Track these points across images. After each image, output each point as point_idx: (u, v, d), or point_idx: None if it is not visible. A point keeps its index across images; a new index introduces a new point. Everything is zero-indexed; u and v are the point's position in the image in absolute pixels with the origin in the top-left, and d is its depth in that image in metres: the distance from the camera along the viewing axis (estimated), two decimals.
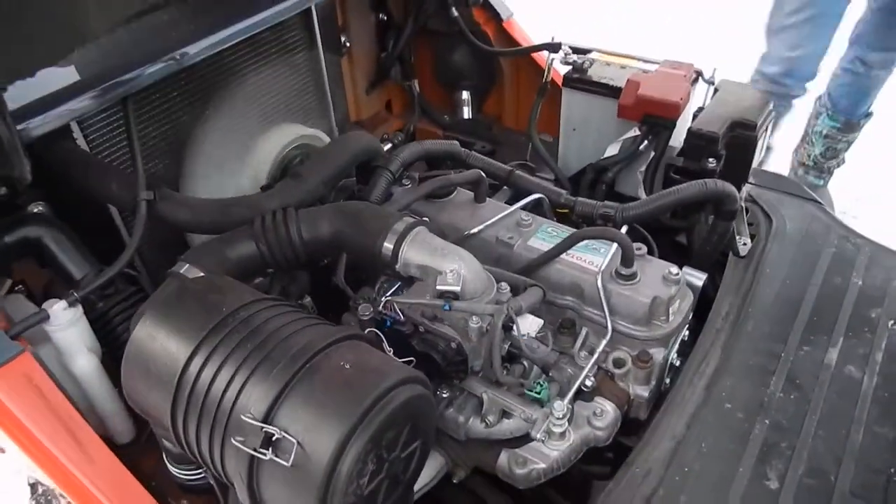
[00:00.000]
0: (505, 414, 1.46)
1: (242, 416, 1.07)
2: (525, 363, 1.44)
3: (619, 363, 1.54)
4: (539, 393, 1.42)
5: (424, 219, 1.52)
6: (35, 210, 1.64)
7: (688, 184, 1.64)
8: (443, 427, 1.50)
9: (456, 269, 1.35)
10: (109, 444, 1.33)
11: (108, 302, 1.55)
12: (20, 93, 1.38)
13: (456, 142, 1.91)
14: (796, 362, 1.60)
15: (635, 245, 1.57)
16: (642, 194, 1.99)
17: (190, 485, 1.46)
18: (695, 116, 1.92)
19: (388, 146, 2.07)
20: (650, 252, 1.81)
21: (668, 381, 1.62)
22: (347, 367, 1.11)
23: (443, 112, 2.78)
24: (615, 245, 1.55)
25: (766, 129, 1.87)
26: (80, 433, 1.30)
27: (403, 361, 1.34)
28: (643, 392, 1.54)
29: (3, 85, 1.27)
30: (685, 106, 1.89)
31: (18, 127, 1.36)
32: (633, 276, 1.51)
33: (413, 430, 1.16)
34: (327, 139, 2.11)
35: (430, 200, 1.75)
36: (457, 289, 1.32)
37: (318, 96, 2.26)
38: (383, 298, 1.51)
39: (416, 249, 1.41)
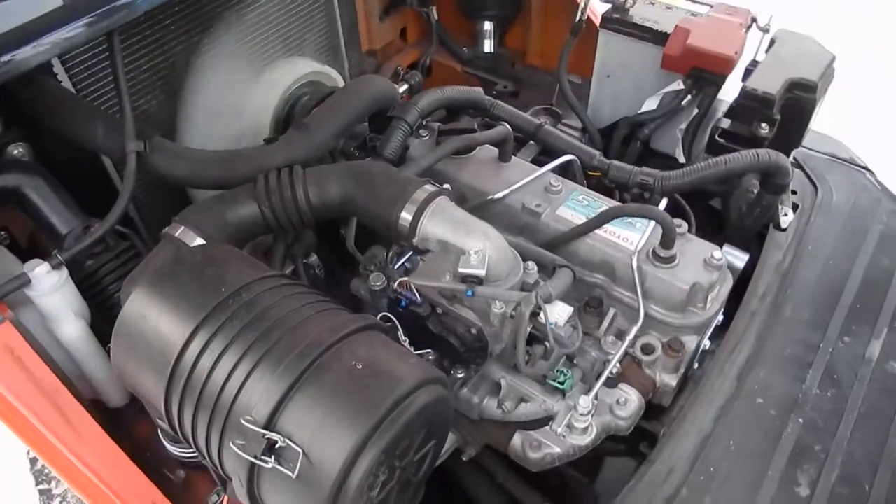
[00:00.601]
0: (522, 398, 1.36)
1: (242, 420, 0.96)
2: (547, 344, 1.33)
3: (648, 350, 1.43)
4: (562, 383, 1.32)
5: (446, 186, 1.36)
6: (15, 152, 1.49)
7: (738, 154, 1.48)
8: (455, 406, 1.42)
9: (481, 249, 1.21)
10: (100, 410, 1.25)
11: (98, 260, 1.42)
12: None
13: (480, 89, 1.72)
14: (835, 354, 1.49)
15: (676, 222, 1.43)
16: (680, 155, 1.83)
17: (187, 461, 1.38)
18: (747, 71, 1.73)
19: (403, 88, 1.88)
20: (689, 227, 1.68)
21: (696, 364, 1.52)
22: (359, 366, 1.00)
23: (462, 44, 2.55)
24: (653, 221, 1.41)
25: (825, 91, 1.69)
26: (65, 405, 1.21)
27: (420, 353, 1.24)
28: (671, 381, 1.43)
29: None
30: (739, 60, 1.69)
31: None
32: (671, 259, 1.38)
33: (428, 434, 1.07)
34: (339, 78, 1.92)
35: (451, 157, 1.59)
36: (482, 273, 1.19)
37: (329, 26, 2.04)
38: (398, 277, 1.39)
39: (437, 222, 1.27)
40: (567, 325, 1.26)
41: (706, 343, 1.51)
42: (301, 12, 1.94)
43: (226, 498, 1.26)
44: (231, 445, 0.97)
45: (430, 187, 1.30)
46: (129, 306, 1.14)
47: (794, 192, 1.83)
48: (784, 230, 1.75)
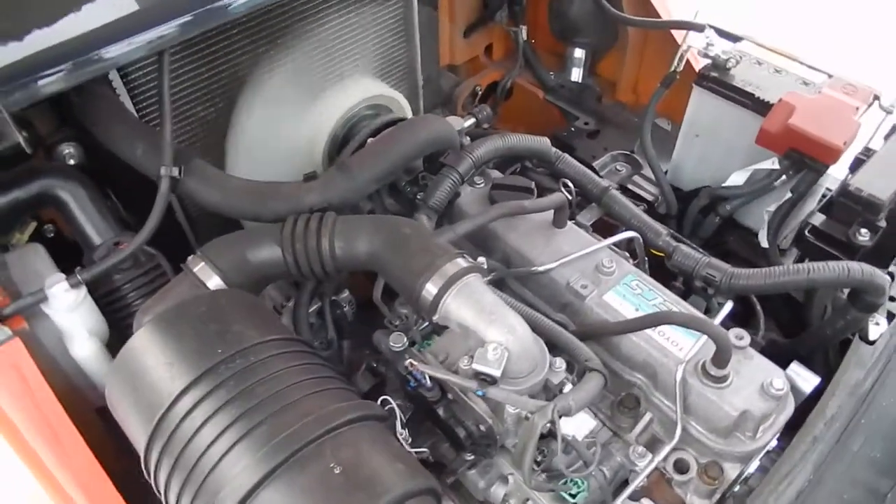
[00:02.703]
0: (529, 499, 1.25)
1: None
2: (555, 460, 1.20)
3: (681, 468, 1.28)
4: (574, 496, 1.19)
5: (480, 260, 1.25)
6: (65, 152, 1.48)
7: (825, 265, 1.28)
8: (463, 482, 1.32)
9: (501, 343, 1.10)
10: (109, 417, 1.23)
11: (126, 276, 1.40)
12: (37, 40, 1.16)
13: (546, 139, 1.58)
14: None
15: (736, 333, 1.27)
16: (763, 240, 1.63)
17: None
18: (857, 161, 1.51)
19: (469, 122, 1.76)
20: (755, 326, 1.50)
21: (736, 487, 1.35)
22: (337, 471, 0.92)
23: (549, 68, 2.39)
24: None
25: None
26: (62, 431, 1.19)
27: (418, 451, 1.15)
28: None
29: None
30: (848, 149, 1.47)
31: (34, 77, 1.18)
32: (723, 379, 1.21)
33: None
34: (406, 105, 1.82)
35: None
36: (496, 373, 1.07)
37: (406, 42, 1.94)
38: (420, 339, 1.30)
39: (462, 303, 1.16)
40: (587, 440, 1.13)
41: (755, 463, 1.34)
42: (375, 28, 1.84)
43: None
44: None
45: (462, 262, 1.19)
46: (129, 346, 1.11)
47: (892, 300, 1.60)
48: (872, 343, 1.53)
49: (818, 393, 1.44)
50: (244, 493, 0.91)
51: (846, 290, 1.46)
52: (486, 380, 1.08)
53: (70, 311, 1.25)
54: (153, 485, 1.06)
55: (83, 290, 1.27)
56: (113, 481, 1.17)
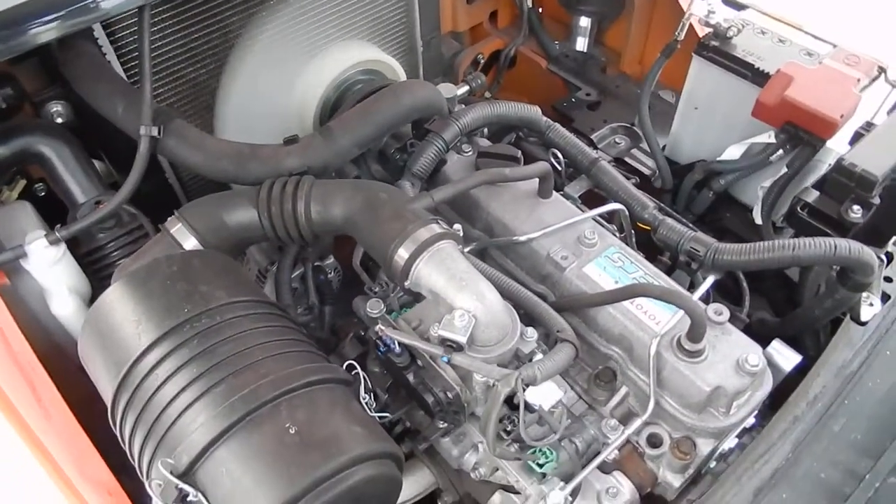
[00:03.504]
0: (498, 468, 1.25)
1: (160, 465, 0.92)
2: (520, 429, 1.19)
3: (654, 442, 1.27)
4: (541, 465, 1.19)
5: (456, 226, 1.23)
6: (53, 110, 1.49)
7: (811, 241, 1.24)
8: (437, 448, 1.33)
9: (469, 310, 1.09)
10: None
11: (109, 234, 1.41)
12: None
13: (537, 107, 1.55)
14: (881, 493, 1.26)
15: (715, 308, 1.24)
16: (758, 216, 1.59)
17: None
18: (856, 135, 1.46)
19: (463, 89, 1.73)
20: (739, 301, 1.47)
21: (713, 463, 1.34)
22: (293, 431, 0.93)
23: (555, 37, 2.34)
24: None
25: None
26: (41, 387, 1.21)
27: (381, 417, 1.15)
28: (674, 481, 1.27)
29: None
30: (846, 122, 1.42)
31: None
32: (697, 354, 1.19)
33: None
34: (401, 71, 1.79)
35: None
36: (462, 339, 1.07)
37: (405, 8, 1.91)
38: (398, 307, 1.30)
39: (433, 269, 1.15)
40: (553, 409, 1.13)
41: (733, 441, 1.32)
42: None
43: None
44: (152, 486, 0.93)
45: (436, 227, 1.18)
46: (99, 302, 1.12)
47: (888, 280, 1.56)
48: (864, 324, 1.49)
49: (804, 372, 1.42)
50: (199, 449, 0.92)
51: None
52: (452, 346, 1.08)
53: (49, 267, 1.26)
54: (118, 436, 1.07)
55: (62, 247, 1.28)
56: (94, 438, 1.20)
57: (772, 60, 1.55)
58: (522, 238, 1.36)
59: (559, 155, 1.55)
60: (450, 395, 1.15)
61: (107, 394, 1.08)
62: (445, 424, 1.26)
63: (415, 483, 1.41)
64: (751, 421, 1.31)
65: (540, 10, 2.36)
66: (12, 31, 1.18)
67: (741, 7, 1.70)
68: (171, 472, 0.91)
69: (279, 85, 1.69)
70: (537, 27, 2.33)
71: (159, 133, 1.30)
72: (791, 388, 1.39)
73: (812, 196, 1.40)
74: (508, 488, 1.28)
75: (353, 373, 1.13)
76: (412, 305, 1.32)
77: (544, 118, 1.55)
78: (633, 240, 1.46)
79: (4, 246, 1.31)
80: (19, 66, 1.43)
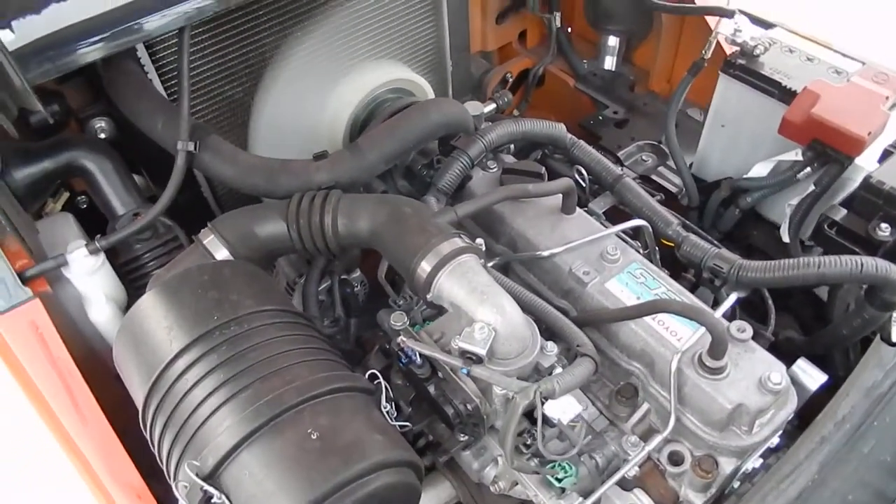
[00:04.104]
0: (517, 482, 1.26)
1: (186, 467, 0.95)
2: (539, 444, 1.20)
3: (675, 460, 1.26)
4: (560, 480, 1.19)
5: (479, 240, 1.26)
6: (97, 126, 1.56)
7: (837, 259, 1.24)
8: (458, 461, 1.34)
9: (490, 323, 1.11)
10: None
11: (146, 245, 1.47)
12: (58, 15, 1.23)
13: (562, 125, 1.57)
14: None
15: (738, 325, 1.24)
16: (785, 234, 1.58)
17: None
18: (885, 153, 1.44)
19: (490, 107, 1.76)
20: (764, 320, 1.45)
21: (736, 483, 1.32)
22: (314, 436, 0.96)
23: (583, 55, 2.36)
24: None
25: None
26: (78, 392, 1.26)
27: (402, 426, 1.17)
28: (696, 500, 1.26)
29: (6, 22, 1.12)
30: (874, 140, 1.41)
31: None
32: (719, 371, 1.19)
33: None
34: (429, 90, 1.83)
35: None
36: (481, 352, 1.08)
37: (434, 27, 1.95)
38: (421, 320, 1.32)
39: (455, 282, 1.17)
40: (572, 424, 1.13)
41: (758, 461, 1.31)
42: (403, 11, 1.86)
43: None
44: (178, 488, 0.97)
45: (458, 241, 1.20)
46: (134, 310, 1.17)
47: None
48: (894, 345, 1.47)
49: (832, 392, 1.40)
50: (225, 451, 0.95)
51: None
52: (472, 358, 1.10)
53: (89, 275, 1.32)
54: (148, 438, 1.11)
55: (101, 256, 1.34)
56: (127, 444, 1.24)
57: (799, 78, 1.55)
58: (545, 253, 1.37)
59: (583, 171, 1.56)
60: (469, 407, 1.17)
61: (138, 397, 1.12)
62: (466, 437, 1.27)
63: (435, 496, 1.42)
64: (775, 441, 1.29)
65: (569, 29, 2.38)
66: (61, 51, 1.25)
67: (769, 26, 1.70)
68: (197, 474, 0.94)
69: (311, 102, 1.74)
70: (566, 46, 2.35)
71: (195, 148, 1.35)
72: (819, 408, 1.37)
73: (840, 214, 1.39)
74: (528, 503, 1.28)
75: (375, 382, 1.15)
76: (435, 319, 1.34)
77: (569, 135, 1.57)
78: (657, 256, 1.46)
79: (47, 255, 1.37)
80: (66, 84, 1.50)
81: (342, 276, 1.57)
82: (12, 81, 1.07)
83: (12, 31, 1.15)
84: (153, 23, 1.32)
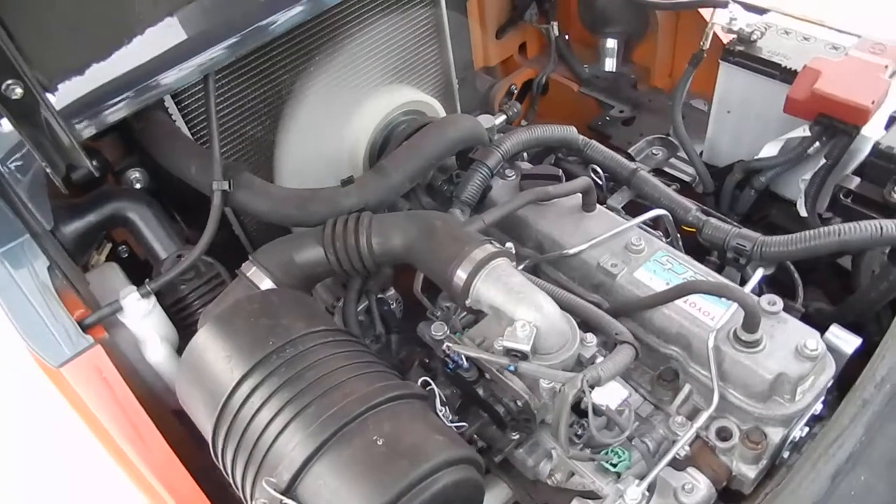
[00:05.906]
0: (573, 472, 1.30)
1: (264, 482, 1.00)
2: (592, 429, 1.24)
3: (723, 435, 1.29)
4: (615, 465, 1.23)
5: (508, 244, 1.31)
6: (132, 177, 1.64)
7: (857, 225, 1.28)
8: (511, 461, 1.38)
9: (530, 321, 1.16)
10: (185, 419, 1.35)
11: (190, 285, 1.53)
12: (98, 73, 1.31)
13: (573, 127, 1.63)
14: None
15: (769, 299, 1.28)
16: (802, 209, 1.62)
17: None
18: (891, 120, 1.48)
19: (500, 119, 1.82)
20: (793, 296, 1.49)
21: (786, 454, 1.35)
22: (380, 442, 1.00)
23: (583, 60, 2.43)
24: None
25: None
26: (142, 426, 1.32)
27: (458, 426, 1.22)
28: (749, 472, 1.29)
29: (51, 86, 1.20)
30: (878, 108, 1.46)
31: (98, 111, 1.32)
32: (755, 344, 1.23)
33: None
34: (440, 108, 1.90)
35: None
36: (525, 348, 1.13)
37: (438, 49, 2.03)
38: (460, 328, 1.37)
39: (491, 285, 1.23)
40: (620, 408, 1.17)
41: (804, 429, 1.34)
42: (407, 37, 1.94)
43: None
44: (262, 485, 1.02)
45: (489, 247, 1.26)
46: (192, 345, 1.23)
47: None
48: None
49: (867, 356, 1.42)
50: (298, 465, 1.00)
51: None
52: (517, 356, 1.14)
53: (142, 318, 1.38)
54: (220, 466, 1.17)
55: (152, 299, 1.40)
56: (191, 475, 1.30)
57: (798, 58, 1.60)
58: (572, 251, 1.42)
59: (598, 170, 1.62)
60: (519, 403, 1.21)
61: (206, 428, 1.17)
62: (518, 435, 1.31)
63: (492, 499, 1.46)
64: (819, 407, 1.33)
65: (567, 36, 2.45)
66: (98, 108, 1.33)
67: (762, 11, 1.76)
68: (275, 490, 0.99)
69: (331, 132, 1.82)
70: (566, 53, 2.42)
71: (230, 186, 1.42)
72: (856, 376, 1.40)
73: (854, 182, 1.43)
74: (585, 494, 1.32)
75: (427, 388, 1.20)
76: (473, 326, 1.39)
77: (580, 136, 1.63)
78: (680, 243, 1.51)
79: (100, 304, 1.44)
80: (101, 139, 1.58)
81: (378, 296, 1.62)
82: (61, 140, 1.15)
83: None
84: (179, 73, 1.40)
